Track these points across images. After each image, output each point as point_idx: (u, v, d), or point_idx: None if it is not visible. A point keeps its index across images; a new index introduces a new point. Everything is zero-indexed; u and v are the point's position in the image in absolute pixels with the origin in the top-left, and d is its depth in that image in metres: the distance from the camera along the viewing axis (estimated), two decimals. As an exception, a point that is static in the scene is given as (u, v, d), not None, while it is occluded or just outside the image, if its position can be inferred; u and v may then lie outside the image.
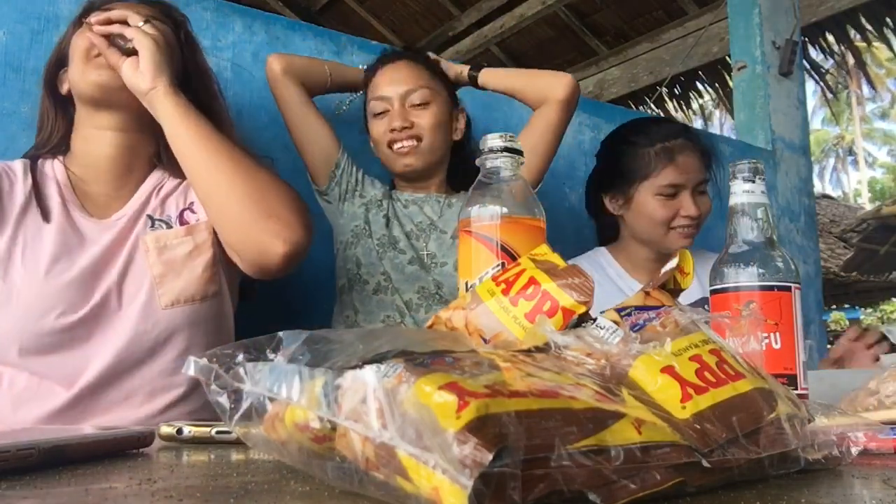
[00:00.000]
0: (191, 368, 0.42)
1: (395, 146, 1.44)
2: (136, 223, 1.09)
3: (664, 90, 4.17)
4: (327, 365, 0.38)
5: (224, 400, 0.41)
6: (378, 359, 0.38)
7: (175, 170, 1.12)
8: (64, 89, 1.13)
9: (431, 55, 1.59)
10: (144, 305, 1.04)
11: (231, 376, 0.41)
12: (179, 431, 0.66)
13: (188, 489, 0.42)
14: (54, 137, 1.14)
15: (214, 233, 1.09)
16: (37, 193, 1.06)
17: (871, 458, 0.56)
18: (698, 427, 0.43)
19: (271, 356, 0.41)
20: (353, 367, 0.37)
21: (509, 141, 0.73)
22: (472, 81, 1.58)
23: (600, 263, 1.65)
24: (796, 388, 0.71)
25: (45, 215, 1.05)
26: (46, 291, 0.99)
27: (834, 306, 11.06)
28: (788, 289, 0.73)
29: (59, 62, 1.13)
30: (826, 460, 0.49)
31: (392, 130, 1.43)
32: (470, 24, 4.49)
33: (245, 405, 0.41)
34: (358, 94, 1.55)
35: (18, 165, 1.09)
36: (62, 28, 1.32)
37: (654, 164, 1.55)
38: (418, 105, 1.45)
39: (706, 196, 1.57)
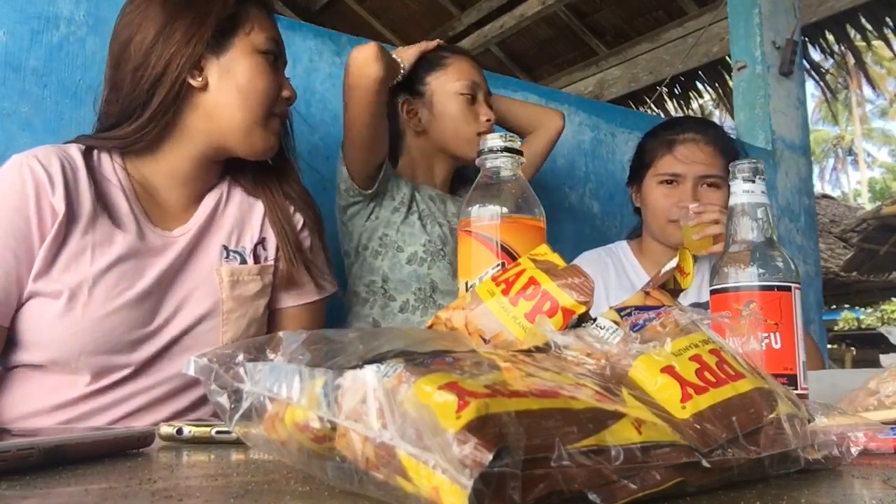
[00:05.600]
0: (191, 368, 0.42)
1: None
2: (200, 240, 1.06)
3: (664, 90, 4.17)
4: (327, 365, 0.38)
5: (224, 400, 0.41)
6: (378, 359, 0.38)
7: (247, 185, 1.13)
8: (199, 82, 1.02)
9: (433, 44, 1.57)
10: (208, 337, 1.03)
11: (231, 376, 0.41)
12: (179, 431, 0.66)
13: (188, 489, 0.42)
14: (147, 136, 1.01)
15: (273, 277, 1.11)
16: (99, 194, 0.98)
17: (871, 458, 0.56)
18: (698, 427, 0.43)
19: (271, 356, 0.41)
20: (353, 367, 0.37)
21: (509, 141, 0.73)
22: None
23: (618, 255, 1.69)
24: (796, 388, 0.71)
25: (116, 221, 0.99)
26: (119, 303, 0.96)
27: (834, 306, 11.07)
28: (788, 289, 0.73)
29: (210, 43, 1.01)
30: (826, 460, 0.49)
31: (487, 121, 1.46)
32: (470, 24, 4.48)
33: (245, 405, 0.41)
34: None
35: (77, 156, 1.00)
36: (62, 28, 1.33)
37: (657, 153, 1.61)
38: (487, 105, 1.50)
39: (718, 192, 1.55)
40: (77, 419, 0.96)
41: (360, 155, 1.35)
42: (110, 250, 0.97)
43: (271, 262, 1.11)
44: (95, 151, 1.03)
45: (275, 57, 1.07)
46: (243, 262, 1.08)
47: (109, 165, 1.03)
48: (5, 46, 1.27)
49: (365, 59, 1.25)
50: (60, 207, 0.94)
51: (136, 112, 1.00)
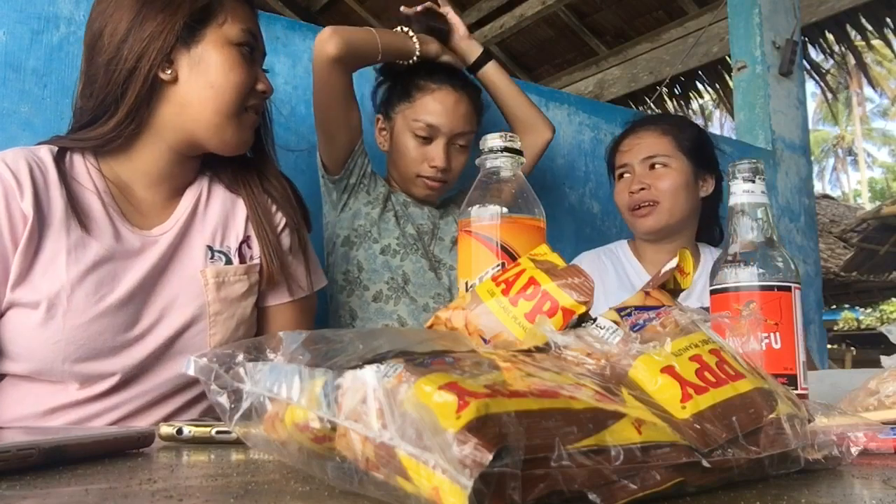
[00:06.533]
0: (191, 368, 0.42)
1: (427, 182, 1.44)
2: (183, 240, 1.04)
3: (664, 90, 4.18)
4: (327, 365, 0.38)
5: (224, 400, 0.41)
6: (378, 359, 0.38)
7: (228, 182, 1.10)
8: (168, 75, 0.98)
9: (447, 12, 1.53)
10: (196, 341, 1.00)
11: (231, 376, 0.41)
12: (179, 431, 0.66)
13: (188, 489, 0.42)
14: (124, 133, 0.98)
15: (259, 276, 1.08)
16: (71, 197, 0.95)
17: (871, 458, 0.56)
18: (698, 427, 0.43)
19: (271, 356, 0.41)
20: (354, 367, 0.37)
21: (509, 141, 0.73)
22: (475, 66, 1.55)
23: (618, 255, 1.70)
24: (796, 388, 0.71)
25: (90, 224, 0.95)
26: (100, 308, 0.93)
27: (834, 306, 11.07)
28: (788, 289, 0.73)
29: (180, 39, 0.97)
30: (826, 460, 0.49)
31: (432, 167, 1.42)
32: (470, 24, 4.48)
33: (245, 405, 0.41)
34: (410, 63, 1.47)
35: (47, 158, 0.96)
36: (62, 28, 1.33)
37: (612, 156, 1.69)
38: (461, 147, 1.44)
39: (668, 171, 1.57)
40: (75, 423, 0.95)
41: (324, 136, 1.39)
42: (85, 255, 0.94)
43: (257, 261, 1.09)
44: (68, 153, 1.00)
45: (250, 49, 1.02)
46: (228, 262, 1.06)
47: (83, 167, 1.00)
48: (5, 46, 1.27)
49: (320, 40, 1.30)
50: (30, 212, 0.91)
51: (111, 108, 0.97)
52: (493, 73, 1.56)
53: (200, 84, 0.98)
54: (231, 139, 1.02)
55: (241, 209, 1.10)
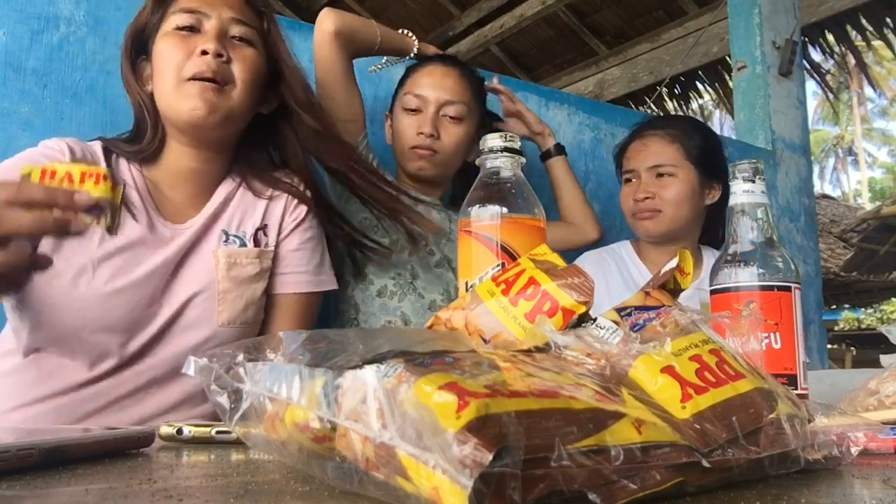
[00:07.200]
0: (191, 368, 0.42)
1: (417, 152, 1.44)
2: (206, 232, 1.10)
3: (664, 90, 4.18)
4: (327, 365, 0.38)
5: (224, 400, 0.41)
6: (378, 359, 0.38)
7: (255, 184, 1.15)
8: (148, 89, 1.09)
9: (517, 106, 1.66)
10: (204, 318, 1.06)
11: (231, 376, 0.41)
12: (179, 431, 0.66)
13: (188, 489, 0.42)
14: (152, 146, 1.09)
15: (272, 264, 1.14)
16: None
17: (871, 458, 0.56)
18: (698, 427, 0.43)
19: (271, 356, 0.41)
20: (354, 367, 0.37)
21: (509, 141, 0.73)
22: (545, 155, 1.68)
23: (621, 255, 1.70)
24: (796, 388, 0.71)
25: (128, 211, 1.04)
26: (122, 283, 1.00)
27: (834, 306, 11.07)
28: (788, 289, 0.73)
29: (138, 46, 1.08)
30: (826, 460, 0.49)
31: (419, 133, 1.42)
32: (470, 24, 4.49)
33: (245, 405, 0.41)
34: (402, 60, 1.52)
35: (98, 151, 1.07)
36: (62, 28, 1.33)
37: (620, 157, 1.70)
38: (452, 118, 1.45)
39: (673, 180, 1.57)
40: (79, 403, 0.99)
41: None
42: (120, 237, 1.02)
43: (271, 249, 1.14)
44: (114, 153, 1.09)
45: (192, 27, 1.05)
46: (243, 245, 1.12)
47: (126, 166, 1.09)
48: (5, 46, 1.27)
49: (319, 19, 1.37)
50: None
51: (142, 126, 1.10)
52: (559, 167, 1.68)
53: (155, 77, 1.06)
54: (175, 111, 1.04)
55: (262, 201, 1.16)
